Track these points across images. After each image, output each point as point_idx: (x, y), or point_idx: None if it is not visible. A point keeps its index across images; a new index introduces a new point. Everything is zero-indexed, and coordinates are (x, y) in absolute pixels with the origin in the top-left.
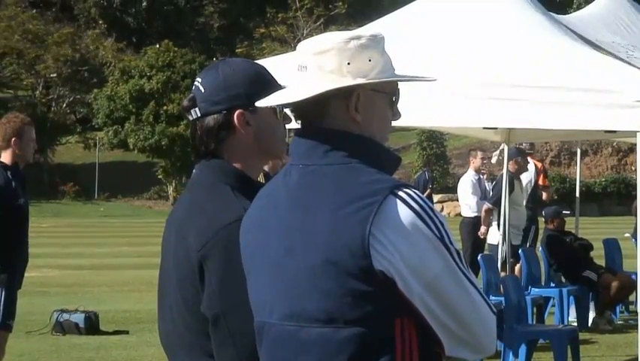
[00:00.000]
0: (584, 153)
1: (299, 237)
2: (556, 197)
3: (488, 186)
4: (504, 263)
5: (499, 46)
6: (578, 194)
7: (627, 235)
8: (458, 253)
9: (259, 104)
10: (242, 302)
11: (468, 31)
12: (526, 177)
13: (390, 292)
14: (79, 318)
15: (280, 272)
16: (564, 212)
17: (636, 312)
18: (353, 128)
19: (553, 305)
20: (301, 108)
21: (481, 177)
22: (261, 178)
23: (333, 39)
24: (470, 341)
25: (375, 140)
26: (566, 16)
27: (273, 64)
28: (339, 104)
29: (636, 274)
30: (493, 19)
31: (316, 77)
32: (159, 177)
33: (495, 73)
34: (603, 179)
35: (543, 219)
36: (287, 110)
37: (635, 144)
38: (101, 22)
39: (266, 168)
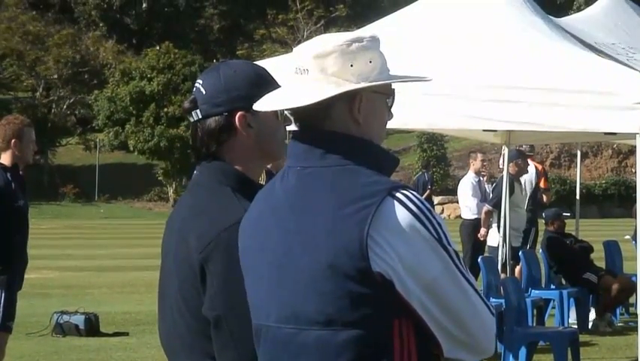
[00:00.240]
0: (584, 155)
1: (297, 239)
2: (554, 198)
3: (488, 188)
4: (504, 265)
5: (498, 48)
6: (578, 196)
7: (627, 237)
8: (457, 255)
9: (262, 108)
10: (243, 304)
11: (467, 34)
12: (527, 179)
13: (389, 294)
14: (79, 320)
15: (278, 275)
16: (564, 214)
17: (636, 314)
18: (353, 130)
19: (553, 307)
20: (302, 111)
21: (481, 179)
22: (262, 176)
23: (334, 41)
24: (469, 343)
25: (373, 141)
26: (566, 18)
27: (274, 65)
28: (343, 106)
29: (636, 276)
30: (493, 22)
31: (319, 80)
32: (159, 178)
33: (495, 75)
34: (603, 181)
35: (543, 221)
36: (287, 112)
37: (635, 146)
38: (101, 24)
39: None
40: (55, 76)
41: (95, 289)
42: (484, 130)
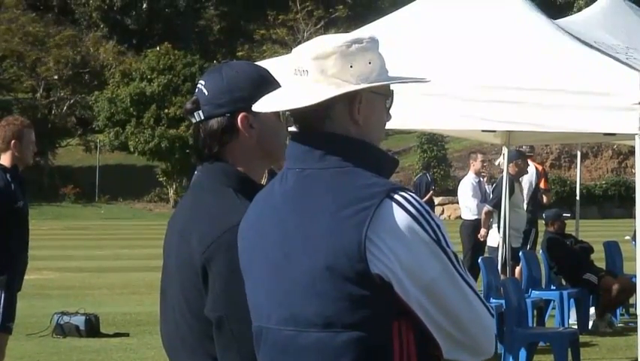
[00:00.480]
0: (584, 156)
1: (296, 241)
2: (554, 199)
3: (488, 188)
4: (504, 266)
5: (498, 48)
6: (578, 197)
7: (627, 237)
8: (455, 256)
9: (261, 109)
10: (246, 305)
11: (467, 34)
12: (527, 180)
13: (388, 296)
14: (79, 320)
15: (278, 277)
16: (564, 215)
17: (636, 315)
18: (353, 131)
19: (553, 308)
20: (302, 112)
21: (482, 179)
22: (265, 176)
23: (334, 43)
24: (468, 344)
25: (372, 143)
26: (566, 18)
27: (274, 65)
28: (342, 107)
29: (636, 276)
30: (493, 22)
31: (319, 81)
32: (160, 179)
33: (494, 75)
34: (603, 182)
35: (543, 222)
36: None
37: (635, 147)
38: (102, 25)
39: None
40: (56, 77)
41: (95, 289)
42: (483, 131)
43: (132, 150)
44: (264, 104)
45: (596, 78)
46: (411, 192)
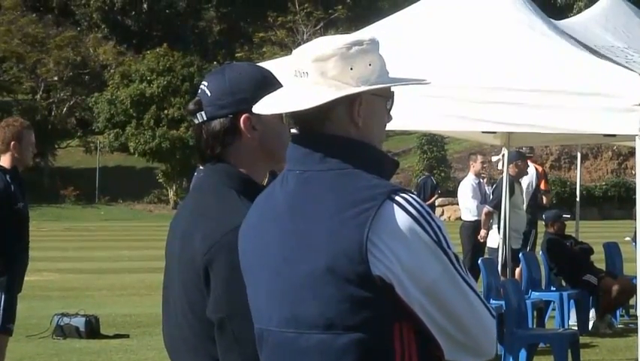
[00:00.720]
0: (584, 157)
1: (297, 243)
2: (554, 200)
3: (488, 189)
4: (504, 267)
5: (498, 50)
6: (578, 198)
7: (627, 238)
8: (456, 257)
9: (261, 111)
10: (247, 306)
11: (467, 35)
12: (527, 181)
13: (389, 298)
14: (79, 322)
15: (279, 279)
16: (564, 216)
17: (636, 316)
18: (353, 133)
19: (553, 309)
20: (302, 114)
21: (481, 180)
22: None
23: (334, 45)
24: (470, 345)
25: (372, 144)
26: (566, 20)
27: (273, 67)
28: (343, 109)
29: (636, 277)
30: (493, 24)
31: (319, 83)
32: (160, 180)
33: (495, 77)
34: (603, 183)
35: (543, 223)
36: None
37: (635, 148)
38: (103, 25)
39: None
40: (56, 78)
41: (95, 291)
42: (483, 132)
43: (132, 151)
44: (264, 107)
45: (597, 79)
46: (412, 193)
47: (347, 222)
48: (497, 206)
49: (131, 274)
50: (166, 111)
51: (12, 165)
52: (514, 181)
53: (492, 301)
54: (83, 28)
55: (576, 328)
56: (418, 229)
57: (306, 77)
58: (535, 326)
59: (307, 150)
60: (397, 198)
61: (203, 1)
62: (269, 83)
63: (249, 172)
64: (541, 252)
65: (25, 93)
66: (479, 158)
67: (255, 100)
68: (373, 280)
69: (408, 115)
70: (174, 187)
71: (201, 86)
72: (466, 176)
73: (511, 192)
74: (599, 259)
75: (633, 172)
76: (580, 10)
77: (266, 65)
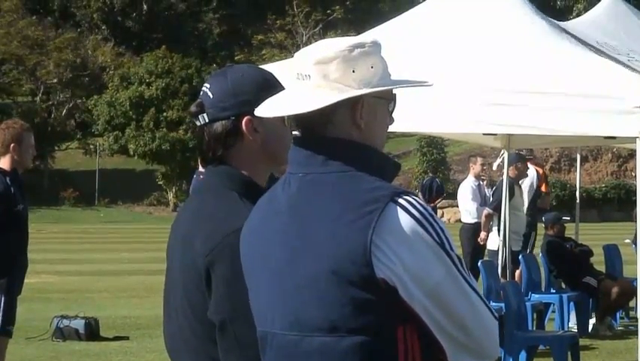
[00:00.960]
0: (584, 159)
1: (300, 246)
2: (554, 202)
3: (488, 192)
4: (504, 269)
5: (499, 52)
6: (578, 200)
7: (627, 240)
8: (459, 259)
9: (263, 114)
10: (249, 308)
11: (468, 37)
12: (527, 183)
13: (392, 300)
14: (79, 324)
15: (282, 282)
16: (564, 218)
17: (636, 318)
18: (355, 135)
19: (553, 311)
20: (304, 117)
21: (481, 183)
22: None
23: (336, 47)
24: (473, 347)
25: (374, 147)
26: (567, 22)
27: (276, 69)
28: (344, 112)
29: (636, 280)
30: (494, 25)
31: (321, 86)
32: (159, 183)
33: (495, 79)
34: (603, 185)
35: (543, 225)
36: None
37: (635, 150)
38: (103, 27)
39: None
40: (55, 80)
41: (95, 293)
42: (484, 134)
43: (132, 153)
44: (266, 109)
45: (597, 81)
46: (415, 195)
47: (350, 224)
48: (497, 208)
49: (131, 276)
50: (165, 113)
51: (12, 168)
52: (514, 183)
53: (492, 303)
54: (83, 30)
55: (576, 330)
56: (422, 231)
57: (308, 79)
58: (535, 328)
59: (309, 152)
60: (400, 200)
61: (203, 3)
62: (271, 86)
63: (250, 174)
64: (541, 254)
65: (25, 95)
66: (479, 160)
67: (258, 102)
68: (377, 283)
69: (408, 117)
70: (174, 189)
71: (203, 88)
72: (465, 178)
73: (511, 195)
74: (598, 262)
75: (633, 174)
76: (580, 13)
77: (267, 67)
